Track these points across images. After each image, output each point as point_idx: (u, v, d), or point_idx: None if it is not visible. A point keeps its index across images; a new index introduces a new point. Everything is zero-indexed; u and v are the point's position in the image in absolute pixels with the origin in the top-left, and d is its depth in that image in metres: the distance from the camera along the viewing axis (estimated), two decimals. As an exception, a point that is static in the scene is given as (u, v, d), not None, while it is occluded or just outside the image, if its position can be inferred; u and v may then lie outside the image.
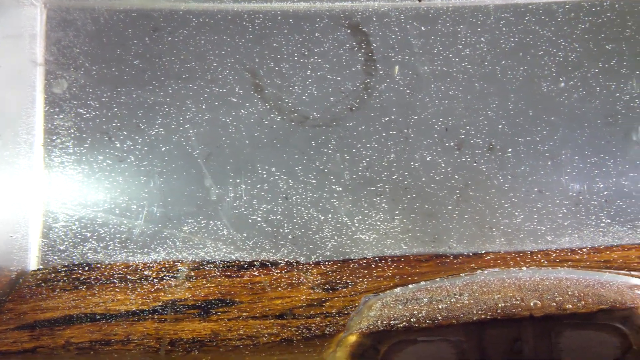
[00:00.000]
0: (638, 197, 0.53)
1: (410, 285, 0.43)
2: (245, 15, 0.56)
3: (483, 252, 0.53)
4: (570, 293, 0.43)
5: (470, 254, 0.53)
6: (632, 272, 0.44)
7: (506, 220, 0.54)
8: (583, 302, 0.43)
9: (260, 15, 0.56)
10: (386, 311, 0.42)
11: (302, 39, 0.56)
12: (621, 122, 0.54)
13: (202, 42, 0.52)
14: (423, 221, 0.54)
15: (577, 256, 0.50)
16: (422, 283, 0.43)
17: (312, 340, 0.43)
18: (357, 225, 0.52)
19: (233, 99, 0.54)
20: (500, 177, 0.54)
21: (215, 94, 0.52)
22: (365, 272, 0.49)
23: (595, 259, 0.48)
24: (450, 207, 0.54)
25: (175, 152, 0.50)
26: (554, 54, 0.54)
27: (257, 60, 0.53)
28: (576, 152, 0.53)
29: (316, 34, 0.56)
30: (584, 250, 0.50)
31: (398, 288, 0.43)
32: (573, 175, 0.53)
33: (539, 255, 0.51)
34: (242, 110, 0.53)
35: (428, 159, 0.54)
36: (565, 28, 0.54)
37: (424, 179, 0.54)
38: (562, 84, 0.54)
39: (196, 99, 0.52)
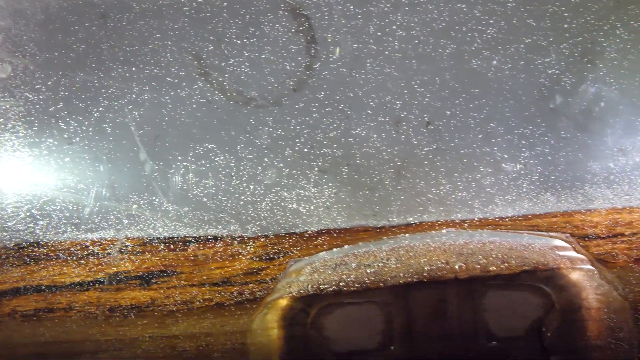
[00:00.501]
0: (561, 165, 0.54)
1: (334, 250, 0.45)
2: (187, 1, 0.58)
3: (419, 221, 0.55)
4: (494, 255, 0.45)
5: (408, 224, 0.55)
6: (551, 234, 0.45)
7: (441, 192, 0.56)
8: (507, 264, 0.45)
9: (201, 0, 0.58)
10: (316, 276, 0.44)
11: (243, 22, 0.58)
12: (546, 94, 0.56)
13: (146, 27, 0.55)
14: (363, 195, 0.56)
15: (505, 222, 0.52)
16: (346, 247, 0.45)
17: (244, 304, 0.45)
18: (297, 199, 0.54)
19: (176, 82, 0.56)
20: (434, 151, 0.55)
21: (159, 77, 0.54)
22: (306, 244, 0.51)
23: (524, 224, 0.50)
24: (388, 181, 0.56)
25: (121, 133, 0.53)
26: (483, 31, 0.56)
27: (199, 43, 0.55)
28: (504, 124, 0.55)
29: (258, 17, 0.58)
30: (513, 217, 0.52)
31: (324, 252, 0.45)
32: (502, 147, 0.55)
33: (470, 223, 0.53)
34: (185, 92, 0.55)
35: (366, 135, 0.56)
36: (493, 6, 0.56)
37: (363, 154, 0.56)
38: (493, 61, 0.56)
39: (140, 82, 0.54)
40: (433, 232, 0.46)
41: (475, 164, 0.56)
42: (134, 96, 0.54)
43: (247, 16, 0.58)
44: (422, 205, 0.57)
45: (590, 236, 0.49)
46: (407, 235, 0.53)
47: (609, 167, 0.56)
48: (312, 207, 0.55)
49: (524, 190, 0.56)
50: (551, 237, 0.45)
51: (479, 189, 0.57)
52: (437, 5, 0.57)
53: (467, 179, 0.56)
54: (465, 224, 0.54)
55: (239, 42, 0.58)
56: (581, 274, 0.43)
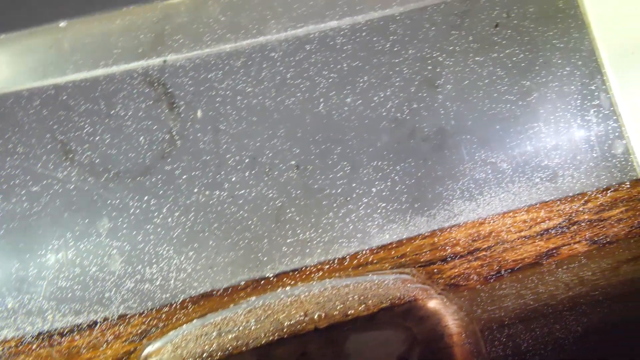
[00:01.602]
0: (426, 187, 0.56)
1: (194, 321, 0.45)
2: (51, 91, 0.58)
3: (304, 266, 0.56)
4: (350, 298, 0.46)
5: (294, 270, 0.56)
6: (394, 269, 0.46)
7: (320, 231, 0.57)
8: (364, 305, 0.45)
9: (62, 83, 0.58)
10: (179, 352, 0.44)
11: (106, 102, 0.59)
12: (399, 120, 0.57)
13: (14, 120, 0.55)
14: (249, 246, 0.57)
15: (380, 254, 0.53)
16: (209, 316, 0.45)
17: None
18: (176, 269, 0.54)
19: (46, 171, 0.56)
20: (308, 193, 0.57)
21: (31, 168, 0.55)
22: (183, 312, 0.52)
23: (393, 254, 0.51)
24: (269, 231, 0.57)
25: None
26: (329, 76, 0.57)
27: (65, 129, 0.56)
28: (366, 156, 0.57)
29: (119, 94, 0.59)
30: (385, 246, 0.53)
31: (185, 325, 0.45)
32: (368, 178, 0.57)
33: (351, 259, 0.54)
34: (58, 179, 0.56)
35: (242, 189, 0.57)
36: (335, 52, 0.57)
37: (240, 208, 0.57)
38: (347, 99, 0.58)
39: (11, 174, 0.54)
40: (287, 287, 0.47)
41: (346, 197, 0.57)
42: (7, 189, 0.54)
43: (103, 99, 0.58)
44: (305, 247, 0.58)
45: (448, 258, 0.50)
46: (292, 282, 0.54)
47: (470, 180, 0.58)
48: (192, 272, 0.55)
49: (396, 216, 0.57)
50: (400, 273, 0.46)
51: (355, 221, 0.58)
52: (283, 58, 0.59)
53: (341, 213, 0.57)
54: (347, 257, 0.55)
55: (99, 124, 0.58)
56: (438, 302, 0.45)
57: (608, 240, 0.47)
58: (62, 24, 0.56)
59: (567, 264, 0.46)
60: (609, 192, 0.53)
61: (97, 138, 0.57)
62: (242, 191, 0.58)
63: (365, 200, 0.58)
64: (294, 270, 0.56)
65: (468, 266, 0.48)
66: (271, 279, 0.55)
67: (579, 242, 0.48)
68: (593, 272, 0.46)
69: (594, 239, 0.49)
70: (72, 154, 0.57)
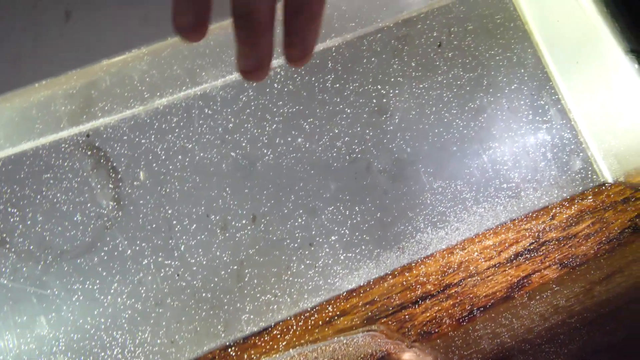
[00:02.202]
0: (390, 222, 0.54)
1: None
2: None
3: (273, 324, 0.52)
4: (322, 363, 0.42)
5: (262, 330, 0.52)
6: (360, 329, 0.43)
7: (285, 285, 0.53)
8: (338, 367, 0.42)
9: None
10: None
11: (38, 177, 0.54)
12: (353, 157, 0.55)
13: None
14: (209, 314, 0.53)
15: (351, 300, 0.50)
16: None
17: None
18: (138, 344, 0.50)
19: None
20: (266, 248, 0.53)
21: None
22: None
23: (365, 299, 0.48)
24: (229, 289, 0.53)
25: None
26: (273, 121, 0.54)
27: None
28: (323, 200, 0.54)
29: (47, 168, 0.55)
30: (358, 290, 0.50)
31: None
32: (329, 221, 0.54)
33: (321, 309, 0.51)
34: None
35: (195, 250, 0.53)
36: (275, 96, 0.55)
37: (199, 270, 0.54)
38: (294, 144, 0.55)
39: None
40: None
41: (308, 244, 0.54)
42: None
43: (31, 179, 0.54)
44: (271, 304, 0.54)
45: (419, 300, 0.47)
46: (261, 343, 0.50)
47: (432, 209, 0.56)
48: (150, 354, 0.51)
49: (364, 255, 0.55)
50: (368, 330, 0.43)
51: (320, 269, 0.55)
52: (222, 109, 0.56)
53: (305, 263, 0.54)
54: (314, 311, 0.52)
55: (29, 207, 0.54)
56: (411, 355, 0.41)
57: (578, 261, 0.45)
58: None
59: (540, 292, 0.44)
60: (574, 204, 0.51)
61: (29, 222, 0.53)
62: (196, 256, 0.54)
63: (327, 246, 0.55)
64: (259, 335, 0.53)
65: (439, 308, 0.45)
66: (234, 352, 0.52)
67: (549, 266, 0.46)
68: (567, 298, 0.44)
69: (564, 261, 0.46)
70: (5, 244, 0.53)
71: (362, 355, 0.41)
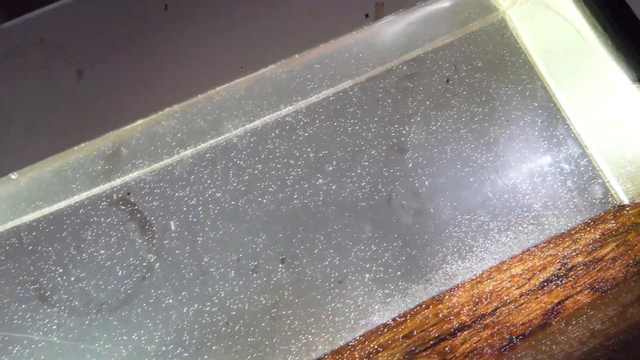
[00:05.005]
0: (416, 255, 0.55)
1: None
2: (13, 240, 0.56)
3: (312, 365, 0.54)
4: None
5: (302, 373, 0.53)
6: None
7: (320, 323, 0.55)
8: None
9: (24, 229, 0.56)
10: None
11: (72, 235, 0.56)
12: (375, 195, 0.57)
13: None
14: (253, 357, 0.54)
15: (385, 336, 0.51)
16: None
17: None
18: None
19: (24, 319, 0.53)
20: (299, 289, 0.55)
21: (7, 319, 0.52)
22: None
23: (400, 333, 0.49)
24: (268, 330, 0.55)
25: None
26: (297, 165, 0.57)
27: (35, 272, 0.53)
28: (349, 238, 0.56)
29: (85, 225, 0.57)
30: (390, 324, 0.51)
31: None
32: (357, 259, 0.56)
33: (359, 344, 0.52)
34: (37, 323, 0.52)
35: (231, 293, 0.55)
36: (298, 141, 0.57)
37: (234, 313, 0.55)
38: (319, 186, 0.57)
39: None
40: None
41: (339, 282, 0.56)
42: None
43: (70, 236, 0.56)
44: (307, 343, 0.55)
45: (456, 331, 0.48)
46: None
47: (456, 240, 0.57)
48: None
49: (392, 290, 0.56)
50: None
51: (353, 306, 0.56)
52: (247, 156, 0.58)
53: (338, 301, 0.56)
54: (353, 348, 0.53)
55: (70, 262, 0.56)
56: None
57: (609, 285, 0.47)
58: (13, 175, 0.54)
59: (575, 317, 0.45)
60: (595, 227, 0.53)
61: (72, 278, 0.55)
62: (233, 301, 0.56)
63: (358, 283, 0.57)
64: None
65: (478, 338, 0.47)
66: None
67: (580, 291, 0.47)
68: (602, 322, 0.45)
69: (594, 285, 0.48)
70: (49, 299, 0.55)
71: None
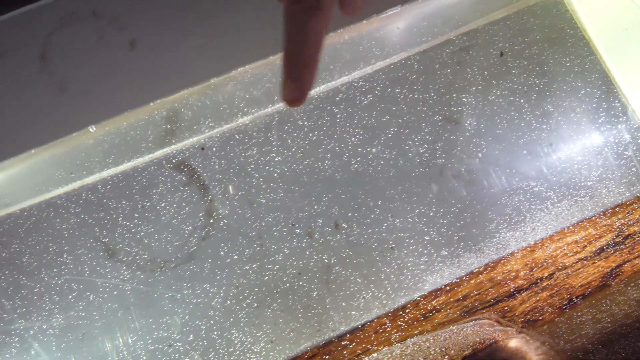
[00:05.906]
0: (468, 224, 0.57)
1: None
2: (87, 194, 0.58)
3: (362, 323, 0.55)
4: (432, 352, 0.45)
5: (354, 329, 0.55)
6: (472, 317, 0.46)
7: (372, 286, 0.57)
8: (447, 356, 0.45)
9: (97, 186, 0.58)
10: None
11: (137, 195, 0.58)
12: (428, 165, 0.58)
13: (49, 231, 0.55)
14: (303, 316, 0.56)
15: (440, 299, 0.53)
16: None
17: None
18: (240, 348, 0.53)
19: (93, 274, 0.55)
20: (356, 250, 0.57)
21: (75, 272, 0.54)
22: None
23: (455, 296, 0.51)
24: (321, 293, 0.57)
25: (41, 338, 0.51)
26: (355, 132, 0.58)
27: (101, 230, 0.55)
28: (410, 204, 0.57)
29: (148, 186, 0.59)
30: (445, 288, 0.53)
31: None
32: (415, 226, 0.57)
33: (410, 307, 0.54)
34: (105, 280, 0.55)
35: (284, 257, 0.57)
36: (357, 108, 0.59)
37: (288, 275, 0.57)
38: (377, 152, 0.58)
39: (60, 289, 0.54)
40: (366, 357, 0.47)
41: (392, 247, 0.57)
42: (58, 298, 0.53)
43: (138, 194, 0.58)
44: (360, 305, 0.57)
45: (514, 293, 0.50)
46: (355, 341, 0.53)
47: (510, 209, 0.59)
48: (255, 349, 0.54)
49: (446, 257, 0.58)
50: (477, 320, 0.46)
51: (405, 270, 0.58)
52: (306, 121, 0.60)
53: (391, 265, 0.57)
54: (408, 309, 0.55)
55: (138, 219, 0.58)
56: (519, 341, 0.44)
57: (668, 250, 0.48)
58: (92, 128, 0.56)
59: (634, 280, 0.47)
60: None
61: (139, 234, 0.57)
62: (291, 259, 0.58)
63: (412, 248, 0.58)
64: (361, 329, 0.55)
65: (537, 298, 0.48)
66: (343, 342, 0.55)
67: (638, 256, 0.49)
68: (662, 284, 0.46)
69: (653, 250, 0.49)
70: (118, 254, 0.57)
71: (471, 344, 0.44)
